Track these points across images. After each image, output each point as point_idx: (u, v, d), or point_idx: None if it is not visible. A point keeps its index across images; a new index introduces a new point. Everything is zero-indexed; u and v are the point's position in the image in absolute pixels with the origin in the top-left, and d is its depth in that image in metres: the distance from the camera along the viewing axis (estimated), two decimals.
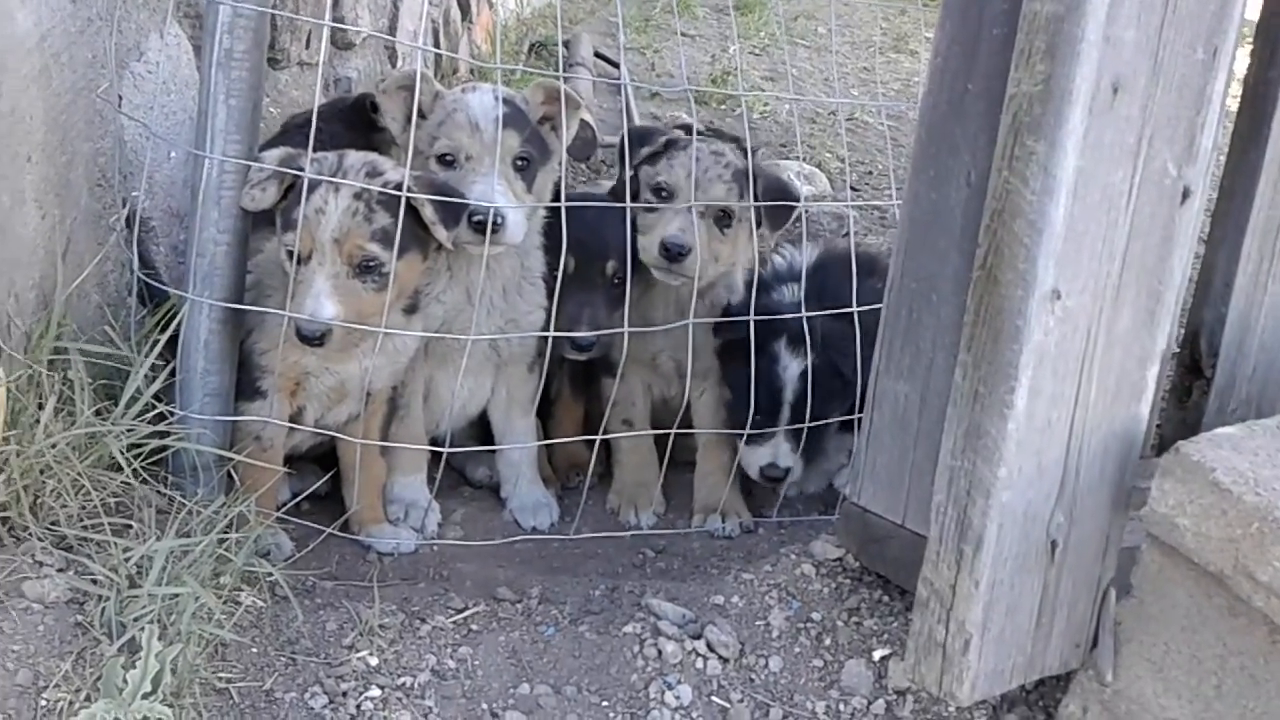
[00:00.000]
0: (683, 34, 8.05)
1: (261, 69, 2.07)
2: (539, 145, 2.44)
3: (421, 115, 2.37)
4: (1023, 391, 1.75)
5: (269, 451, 2.26)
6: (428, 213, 2.17)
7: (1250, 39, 2.27)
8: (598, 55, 6.90)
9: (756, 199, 2.66)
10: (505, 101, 2.39)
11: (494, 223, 2.28)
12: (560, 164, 2.54)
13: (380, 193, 2.13)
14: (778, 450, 2.67)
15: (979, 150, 1.96)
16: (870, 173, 5.84)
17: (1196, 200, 1.86)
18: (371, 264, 2.14)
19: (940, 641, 1.87)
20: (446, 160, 2.38)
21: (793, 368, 2.65)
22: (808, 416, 2.60)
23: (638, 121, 5.74)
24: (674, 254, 2.57)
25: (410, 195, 2.14)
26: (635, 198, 2.63)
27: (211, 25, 2.00)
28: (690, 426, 2.74)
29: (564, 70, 6.39)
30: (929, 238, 2.07)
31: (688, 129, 3.31)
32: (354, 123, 2.69)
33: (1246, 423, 1.97)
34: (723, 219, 2.67)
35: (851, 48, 8.43)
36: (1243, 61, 2.08)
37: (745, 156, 2.71)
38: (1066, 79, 1.67)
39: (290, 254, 2.13)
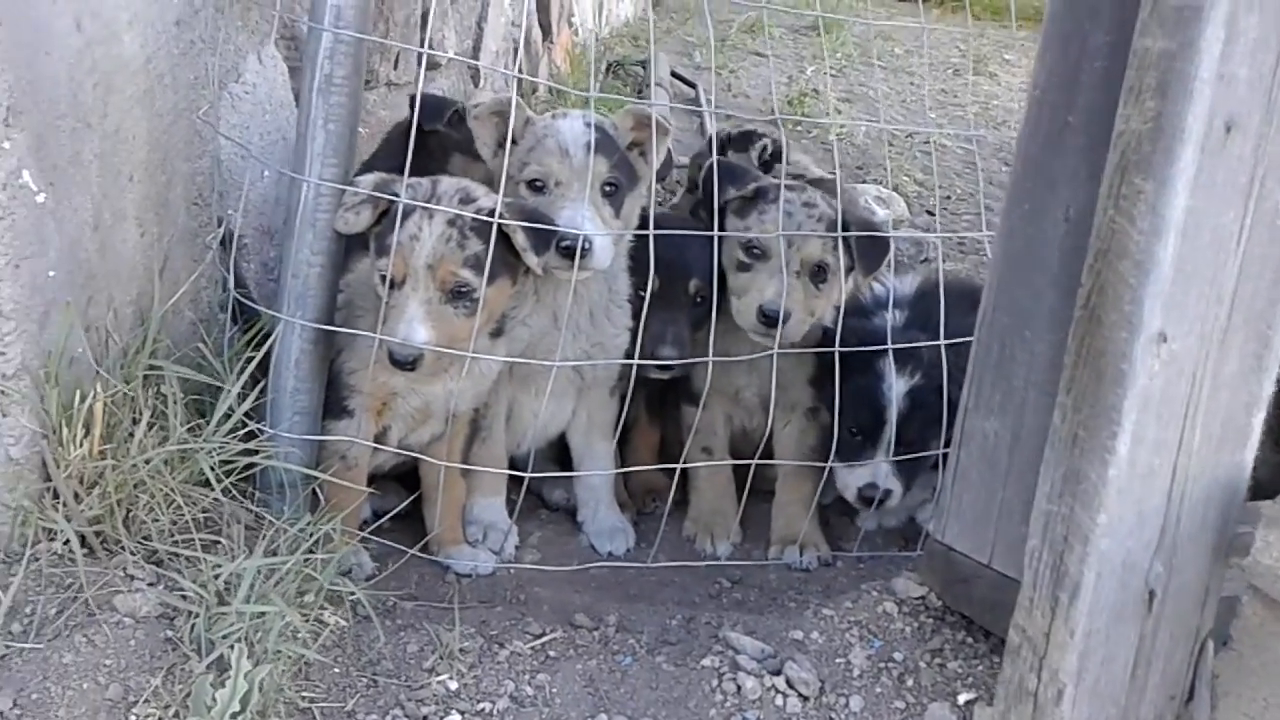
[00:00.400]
0: (759, 54, 8.04)
1: (360, 94, 2.10)
2: (627, 171, 2.44)
3: (512, 141, 2.37)
4: (1125, 437, 1.70)
5: (354, 470, 2.28)
6: (519, 239, 2.17)
7: None
8: (674, 75, 6.92)
9: (850, 247, 2.60)
10: (595, 128, 2.39)
11: (582, 249, 2.28)
12: (648, 189, 2.53)
13: (473, 219, 2.14)
14: (877, 471, 2.60)
15: (1078, 185, 1.92)
16: (949, 197, 5.77)
17: None
18: (463, 290, 2.15)
19: (1032, 690, 1.82)
20: (536, 185, 2.38)
21: (898, 386, 2.59)
22: (907, 437, 2.56)
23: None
24: (772, 321, 2.52)
25: (502, 222, 2.14)
26: (721, 226, 2.60)
27: (312, 51, 2.03)
28: (771, 457, 2.71)
29: (641, 91, 6.45)
30: (1023, 273, 2.03)
31: (747, 136, 3.29)
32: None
33: None
34: (818, 274, 2.61)
35: (929, 69, 8.36)
36: None
37: (834, 201, 2.67)
38: (1178, 117, 1.62)
39: (384, 278, 2.14)
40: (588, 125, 2.39)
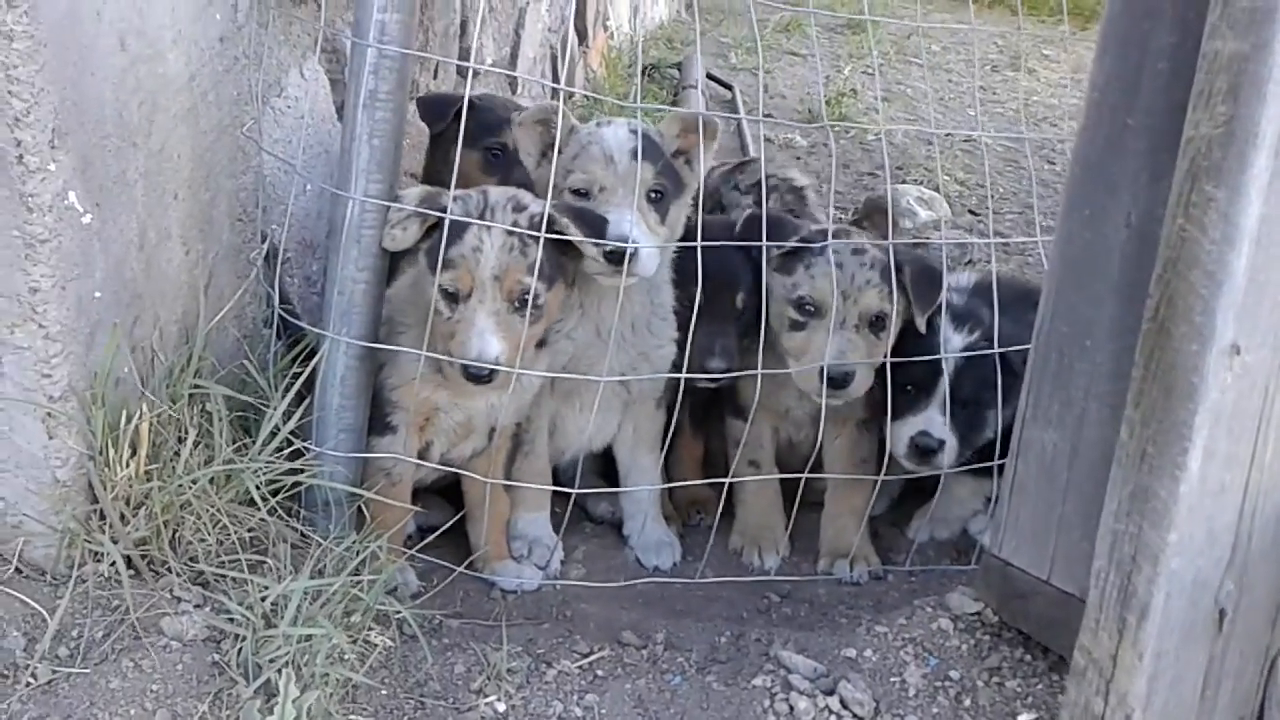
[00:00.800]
0: (794, 54, 7.98)
1: (404, 109, 2.08)
2: (673, 178, 2.40)
3: (557, 150, 2.35)
4: (1196, 453, 1.64)
5: (398, 487, 2.26)
6: (574, 233, 2.17)
7: None
8: (710, 78, 6.87)
9: (905, 288, 2.51)
10: (641, 135, 2.35)
11: (624, 255, 2.24)
12: (694, 197, 2.49)
13: (528, 228, 2.15)
14: (931, 420, 2.51)
15: (1140, 190, 1.86)
16: (991, 196, 5.68)
17: None
18: (528, 297, 2.13)
19: (1098, 715, 1.77)
20: (580, 193, 2.35)
21: (954, 340, 2.54)
22: (962, 395, 2.52)
23: (751, 147, 5.69)
24: (840, 383, 2.45)
25: (549, 235, 2.14)
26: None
27: (357, 67, 2.00)
28: (820, 469, 2.66)
29: (677, 94, 6.41)
30: (1083, 280, 1.97)
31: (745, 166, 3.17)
32: None
33: None
34: (877, 323, 2.52)
35: (965, 65, 8.26)
36: None
37: (879, 242, 2.59)
38: (1251, 121, 1.56)
39: (446, 293, 2.12)
40: (632, 132, 2.35)
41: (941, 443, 2.51)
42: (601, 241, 2.20)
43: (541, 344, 2.33)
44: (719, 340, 2.53)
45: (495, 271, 2.10)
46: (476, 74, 3.89)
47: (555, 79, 5.28)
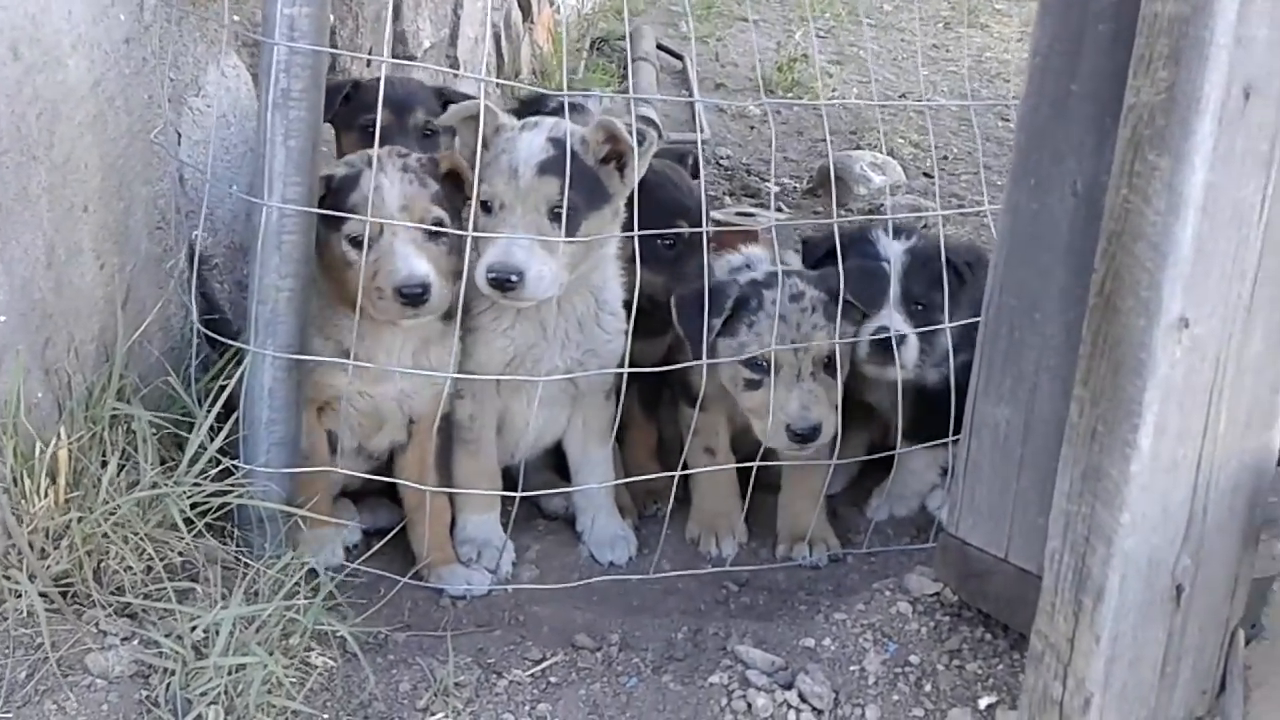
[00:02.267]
0: (745, 19, 7.88)
1: (320, 107, 1.99)
2: (589, 190, 2.26)
3: (485, 146, 2.25)
4: (1147, 430, 1.60)
5: (308, 460, 2.21)
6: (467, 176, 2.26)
7: None
8: (660, 48, 6.77)
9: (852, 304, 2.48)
10: (556, 143, 2.24)
11: (509, 280, 2.18)
12: (627, 203, 2.37)
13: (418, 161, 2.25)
14: (889, 317, 2.50)
15: (1085, 157, 1.81)
16: (945, 157, 5.64)
17: None
18: (438, 227, 2.20)
19: (1057, 699, 1.73)
20: (487, 207, 2.25)
21: (895, 246, 2.56)
22: (914, 292, 2.54)
23: (704, 120, 5.61)
24: (808, 437, 2.40)
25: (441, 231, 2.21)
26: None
27: (267, 65, 1.91)
28: (773, 454, 2.62)
29: (626, 67, 6.30)
30: (1031, 251, 1.92)
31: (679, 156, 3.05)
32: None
33: None
34: (829, 365, 2.46)
35: (920, 24, 8.19)
36: None
37: (812, 277, 2.52)
38: (1193, 86, 1.51)
39: (354, 240, 2.17)
40: (550, 140, 2.24)
41: (903, 336, 2.49)
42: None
43: (450, 315, 2.31)
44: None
45: (401, 203, 2.15)
46: (414, 57, 3.79)
47: (500, 58, 5.18)
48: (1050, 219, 1.88)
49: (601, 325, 2.45)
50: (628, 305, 2.45)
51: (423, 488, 2.30)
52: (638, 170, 2.31)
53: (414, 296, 2.12)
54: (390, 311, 2.16)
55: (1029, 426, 1.96)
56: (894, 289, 2.53)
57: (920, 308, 2.55)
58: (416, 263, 2.13)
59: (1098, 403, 1.65)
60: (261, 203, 1.94)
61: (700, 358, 2.39)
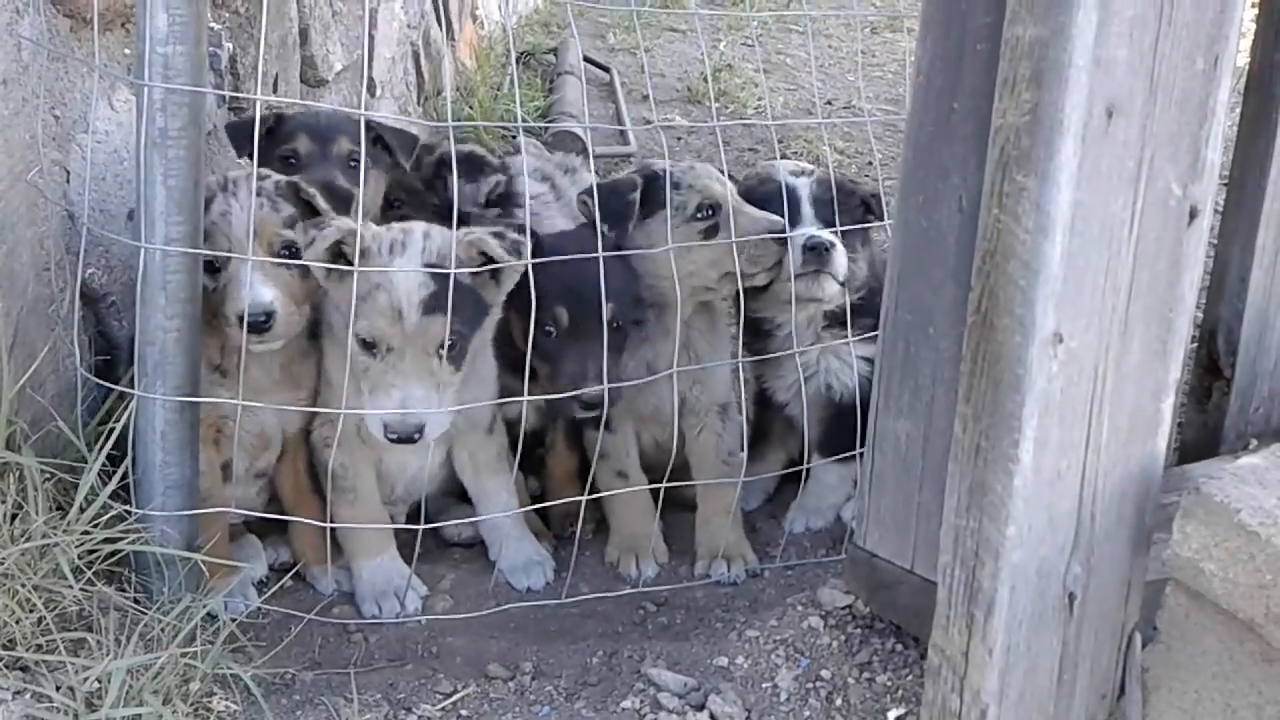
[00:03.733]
0: (674, 30, 7.91)
1: (200, 145, 1.96)
2: (471, 310, 2.24)
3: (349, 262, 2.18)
4: (1028, 444, 1.63)
5: (207, 502, 2.20)
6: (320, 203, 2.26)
7: (1254, 19, 2.15)
8: (586, 60, 6.77)
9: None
10: (435, 272, 2.16)
11: (415, 433, 2.17)
12: (498, 306, 2.34)
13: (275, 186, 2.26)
14: (811, 229, 2.57)
15: (969, 174, 1.84)
16: (870, 163, 5.69)
17: (1205, 219, 1.73)
18: (288, 251, 2.21)
19: (955, 712, 1.76)
20: (369, 346, 2.17)
21: (801, 180, 2.66)
22: (824, 215, 2.61)
23: (631, 134, 5.62)
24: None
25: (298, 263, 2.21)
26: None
27: (141, 105, 1.88)
28: (685, 472, 2.63)
29: (553, 80, 6.31)
30: (922, 267, 1.95)
31: (476, 164, 2.96)
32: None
33: (1272, 449, 1.85)
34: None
35: (846, 29, 8.27)
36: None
37: None
38: (1055, 108, 1.54)
39: (209, 266, 2.15)
40: (426, 267, 2.17)
41: (831, 242, 2.55)
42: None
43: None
44: (591, 363, 2.35)
45: (250, 228, 2.12)
46: (325, 82, 3.76)
47: (420, 77, 5.15)
48: (939, 234, 1.91)
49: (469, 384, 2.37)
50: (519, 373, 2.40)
51: (320, 523, 2.34)
52: (506, 279, 2.28)
53: (257, 324, 2.13)
54: (237, 338, 2.16)
55: (928, 439, 1.99)
56: (807, 210, 2.61)
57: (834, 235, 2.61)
58: (261, 290, 2.14)
59: (980, 419, 1.68)
60: (143, 245, 1.91)
61: (623, 246, 2.43)
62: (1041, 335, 1.60)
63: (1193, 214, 1.71)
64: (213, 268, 2.16)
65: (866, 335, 2.49)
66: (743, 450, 2.69)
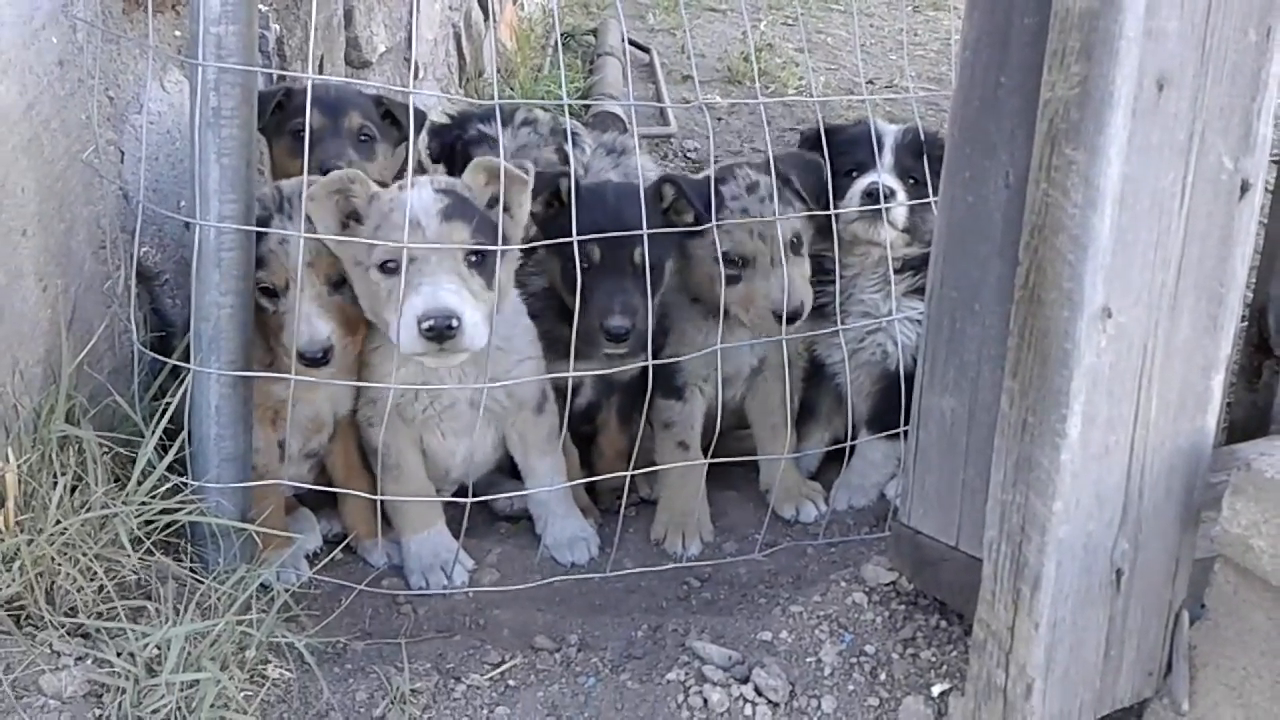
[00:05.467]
0: (714, 10, 7.87)
1: (253, 124, 1.99)
2: (491, 234, 2.16)
3: (357, 220, 2.18)
4: (1075, 419, 1.63)
5: (264, 478, 2.23)
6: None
7: None
8: (627, 41, 6.77)
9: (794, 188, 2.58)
10: (446, 193, 2.16)
11: (449, 327, 2.03)
12: (519, 245, 2.32)
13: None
14: (880, 176, 2.61)
15: (1016, 149, 1.82)
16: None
17: (1256, 193, 1.71)
18: (344, 278, 2.21)
19: (1001, 686, 1.76)
20: (389, 268, 2.11)
21: (891, 127, 2.70)
22: (905, 163, 2.65)
23: (671, 115, 5.61)
24: (791, 318, 2.51)
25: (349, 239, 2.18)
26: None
27: (195, 84, 1.91)
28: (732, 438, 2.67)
29: (593, 61, 6.30)
30: (968, 244, 1.94)
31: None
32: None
33: None
34: (797, 243, 2.57)
35: (888, 8, 8.19)
36: None
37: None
38: (1105, 80, 1.53)
39: (265, 290, 2.19)
40: (440, 192, 2.16)
41: (892, 190, 2.59)
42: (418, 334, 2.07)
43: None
44: (618, 298, 2.38)
45: (308, 258, 2.13)
46: (369, 63, 3.79)
47: (461, 59, 5.17)
48: (985, 211, 1.90)
49: (499, 358, 2.36)
50: (567, 323, 2.38)
51: (375, 497, 2.35)
52: (521, 208, 2.25)
53: (315, 360, 2.14)
54: (293, 368, 2.15)
55: (973, 415, 1.98)
56: (886, 158, 2.64)
57: (913, 181, 2.65)
58: (319, 325, 2.14)
59: (1027, 394, 1.67)
60: (198, 222, 1.95)
61: (707, 220, 2.43)
62: (1090, 310, 1.59)
63: (1244, 188, 1.69)
64: (270, 293, 2.18)
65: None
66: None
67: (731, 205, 2.50)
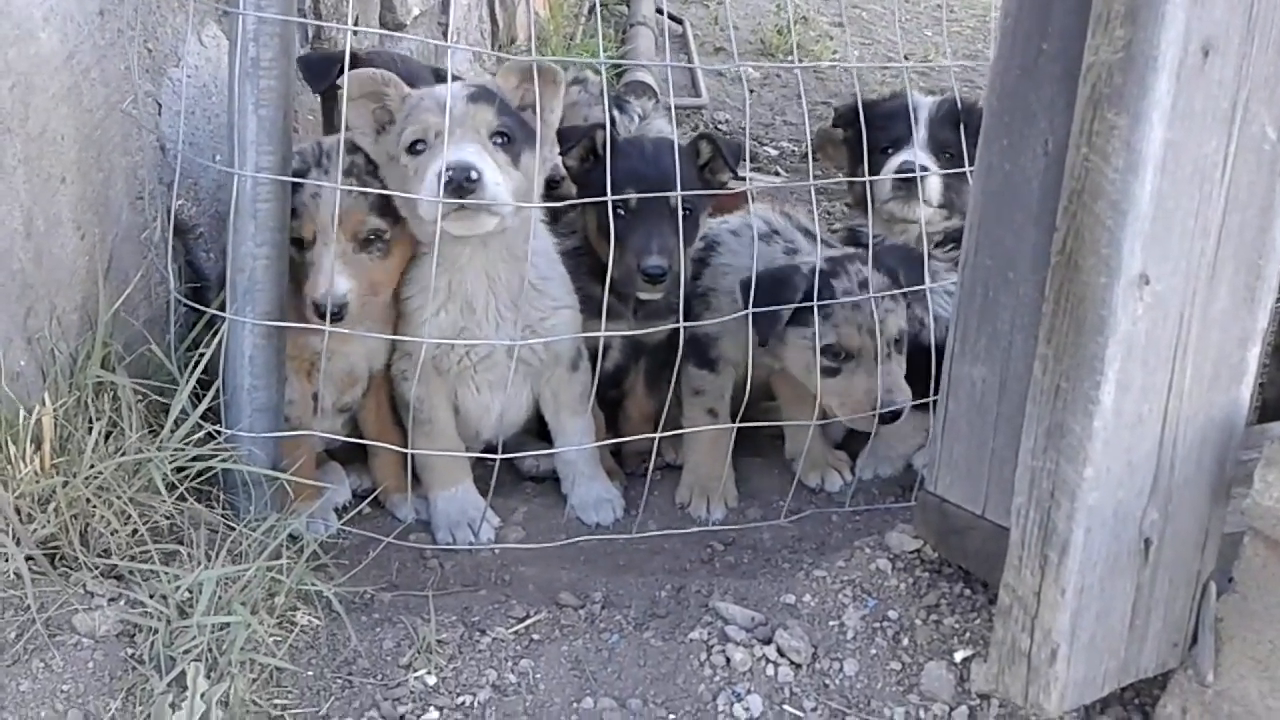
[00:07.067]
0: None
1: (291, 76, 2.00)
2: (520, 126, 2.21)
3: (391, 121, 2.22)
4: (1109, 386, 1.62)
5: (298, 429, 2.28)
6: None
7: None
8: (659, 11, 6.73)
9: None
10: (475, 85, 2.24)
11: (468, 179, 2.04)
12: (550, 150, 2.36)
13: (366, 166, 2.23)
14: (914, 153, 2.61)
15: (1056, 116, 1.81)
16: None
17: None
18: (373, 236, 2.23)
19: (1025, 651, 1.76)
20: (417, 149, 2.16)
21: (926, 100, 2.69)
22: (941, 137, 2.66)
23: (703, 86, 5.59)
24: (893, 417, 2.45)
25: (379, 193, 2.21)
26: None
27: (235, 34, 1.92)
28: (758, 410, 2.66)
29: (625, 31, 6.27)
30: (1004, 211, 1.93)
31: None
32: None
33: None
34: (900, 342, 2.51)
35: None
36: None
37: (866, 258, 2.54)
38: (1150, 44, 1.51)
39: (295, 240, 2.19)
40: (468, 85, 2.23)
41: (925, 168, 2.60)
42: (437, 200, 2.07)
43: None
44: (655, 239, 2.42)
45: (337, 213, 2.13)
46: (403, 25, 3.79)
47: (494, 25, 5.16)
48: (1023, 178, 1.89)
49: (536, 300, 2.41)
50: (599, 281, 2.42)
51: (409, 450, 2.37)
52: (555, 109, 2.29)
53: (329, 314, 2.16)
54: (312, 316, 2.19)
55: (1004, 385, 1.98)
56: (921, 133, 2.62)
57: (949, 155, 2.63)
58: (338, 280, 2.16)
59: (1060, 360, 1.66)
60: (235, 171, 1.96)
61: (765, 343, 2.45)
62: (1127, 276, 1.58)
63: None
64: (300, 244, 2.20)
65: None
66: None
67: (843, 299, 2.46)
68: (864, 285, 2.47)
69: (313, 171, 2.19)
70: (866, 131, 2.55)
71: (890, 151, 2.64)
